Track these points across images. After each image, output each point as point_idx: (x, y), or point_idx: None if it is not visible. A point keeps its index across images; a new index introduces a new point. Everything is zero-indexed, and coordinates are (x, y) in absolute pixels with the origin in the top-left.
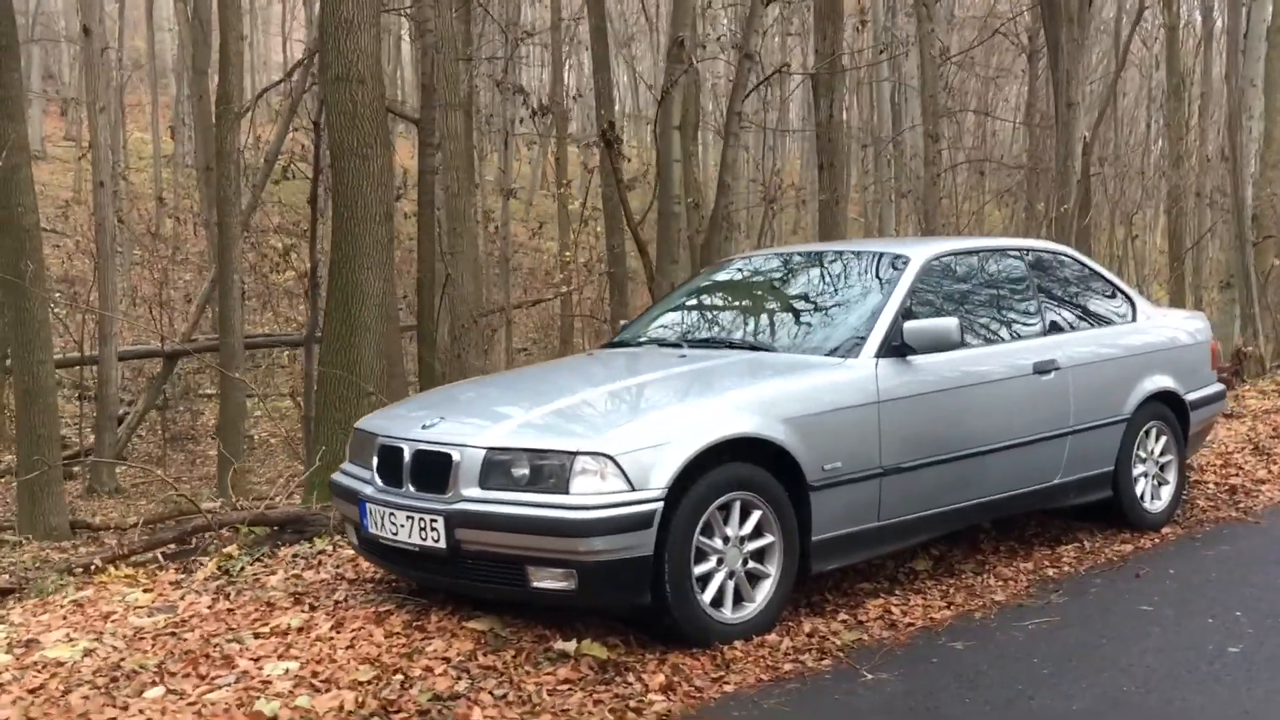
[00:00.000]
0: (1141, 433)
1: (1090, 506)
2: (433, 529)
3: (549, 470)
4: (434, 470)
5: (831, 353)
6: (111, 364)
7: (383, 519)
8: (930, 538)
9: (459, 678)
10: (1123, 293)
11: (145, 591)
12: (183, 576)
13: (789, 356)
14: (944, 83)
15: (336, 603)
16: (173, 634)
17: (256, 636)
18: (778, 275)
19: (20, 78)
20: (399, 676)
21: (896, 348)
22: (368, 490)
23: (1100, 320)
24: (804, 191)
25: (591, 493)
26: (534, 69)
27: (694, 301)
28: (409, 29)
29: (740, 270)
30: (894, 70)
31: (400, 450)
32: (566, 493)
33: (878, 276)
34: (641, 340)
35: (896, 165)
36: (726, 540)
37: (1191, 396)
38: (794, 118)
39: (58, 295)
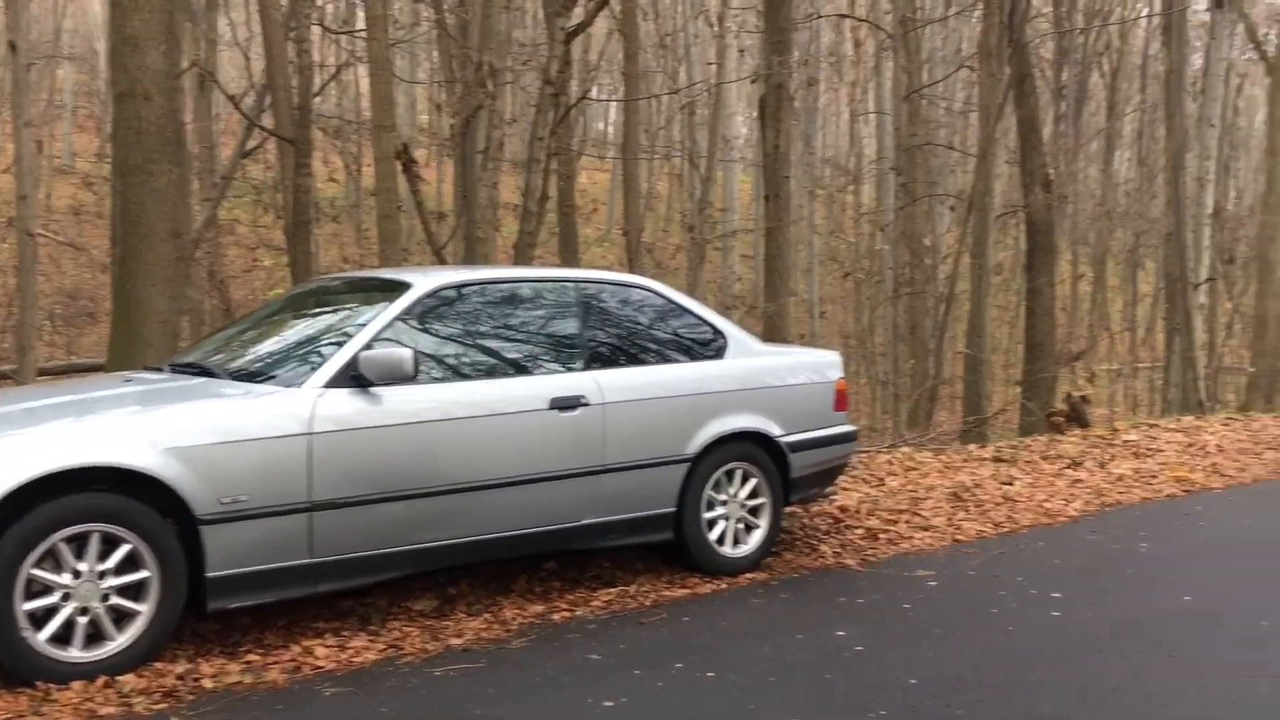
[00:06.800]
0: (721, 474)
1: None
2: None
3: None
4: None
5: (279, 380)
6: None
7: None
8: (400, 575)
9: None
10: (716, 329)
11: None
12: None
13: (227, 384)
14: (917, 114)
15: None
16: None
17: None
18: (315, 300)
19: None
20: None
21: (356, 378)
22: None
23: (672, 356)
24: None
25: None
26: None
27: (245, 324)
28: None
29: (305, 292)
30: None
31: None
32: None
33: (372, 304)
34: (161, 365)
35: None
36: (78, 574)
37: (792, 439)
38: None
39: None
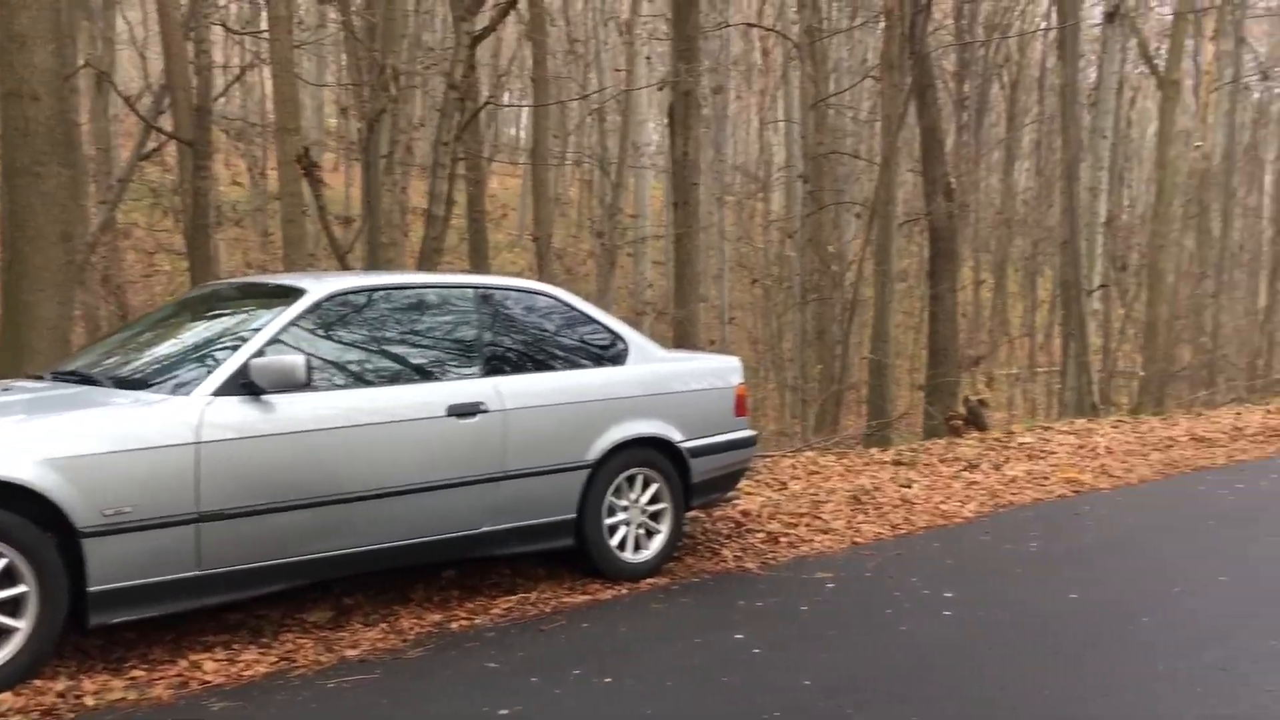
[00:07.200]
0: (622, 479)
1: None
2: None
3: None
4: None
5: (166, 388)
6: None
7: None
8: (293, 586)
9: None
10: (616, 336)
11: None
12: None
13: (111, 392)
14: (824, 123)
15: None
16: None
17: None
18: (207, 305)
19: None
20: None
21: (247, 385)
22: None
23: (573, 362)
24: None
25: None
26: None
27: (133, 331)
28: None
29: (197, 297)
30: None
31: None
32: None
33: (266, 310)
34: (43, 373)
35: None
36: None
37: (693, 444)
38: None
39: None
